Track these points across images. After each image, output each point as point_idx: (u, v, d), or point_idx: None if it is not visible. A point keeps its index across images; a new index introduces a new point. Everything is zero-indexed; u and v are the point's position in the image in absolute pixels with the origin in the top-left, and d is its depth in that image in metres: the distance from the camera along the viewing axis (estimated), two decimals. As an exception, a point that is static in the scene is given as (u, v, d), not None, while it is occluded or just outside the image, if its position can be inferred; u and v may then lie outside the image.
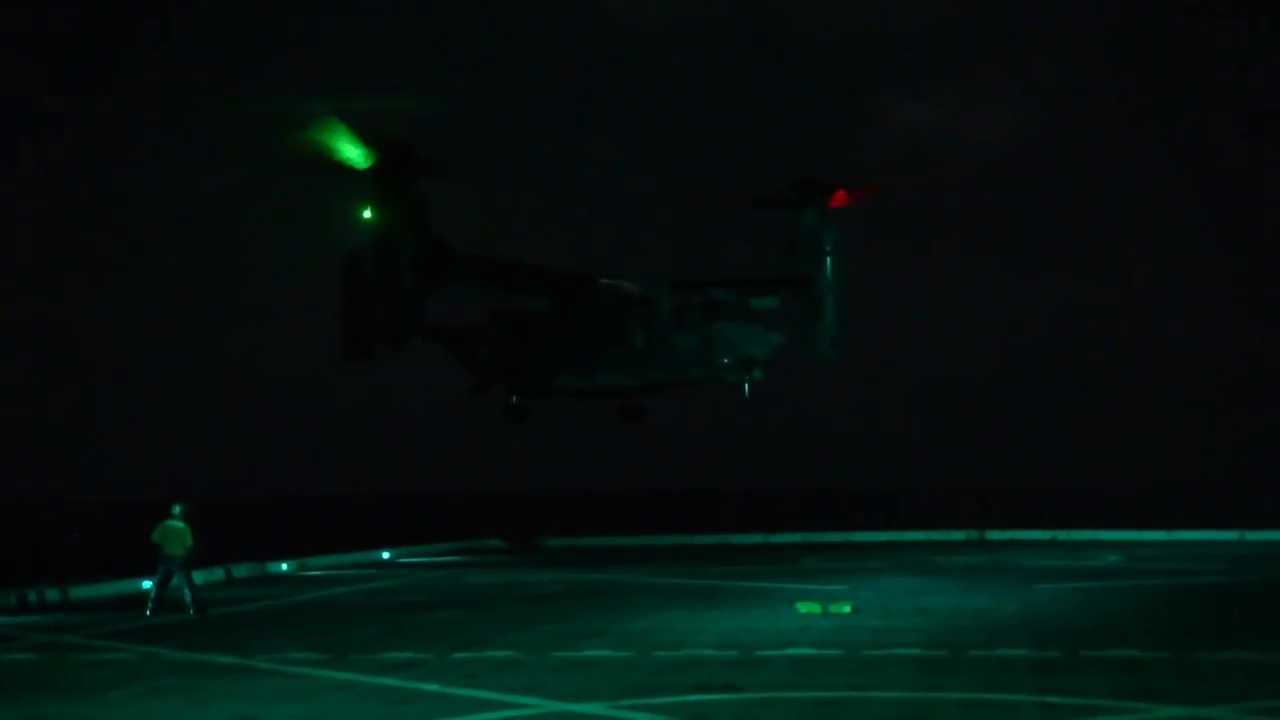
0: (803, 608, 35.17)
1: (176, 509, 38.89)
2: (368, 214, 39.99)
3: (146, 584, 40.51)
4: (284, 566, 53.17)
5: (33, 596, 41.59)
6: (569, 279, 45.22)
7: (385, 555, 60.21)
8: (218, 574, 48.17)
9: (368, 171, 39.53)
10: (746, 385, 42.79)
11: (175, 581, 38.47)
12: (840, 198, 45.06)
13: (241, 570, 50.28)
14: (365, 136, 38.65)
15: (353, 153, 39.10)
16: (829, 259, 45.13)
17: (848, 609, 34.86)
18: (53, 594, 42.25)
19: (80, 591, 43.16)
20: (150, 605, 37.92)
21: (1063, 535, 64.58)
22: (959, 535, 66.40)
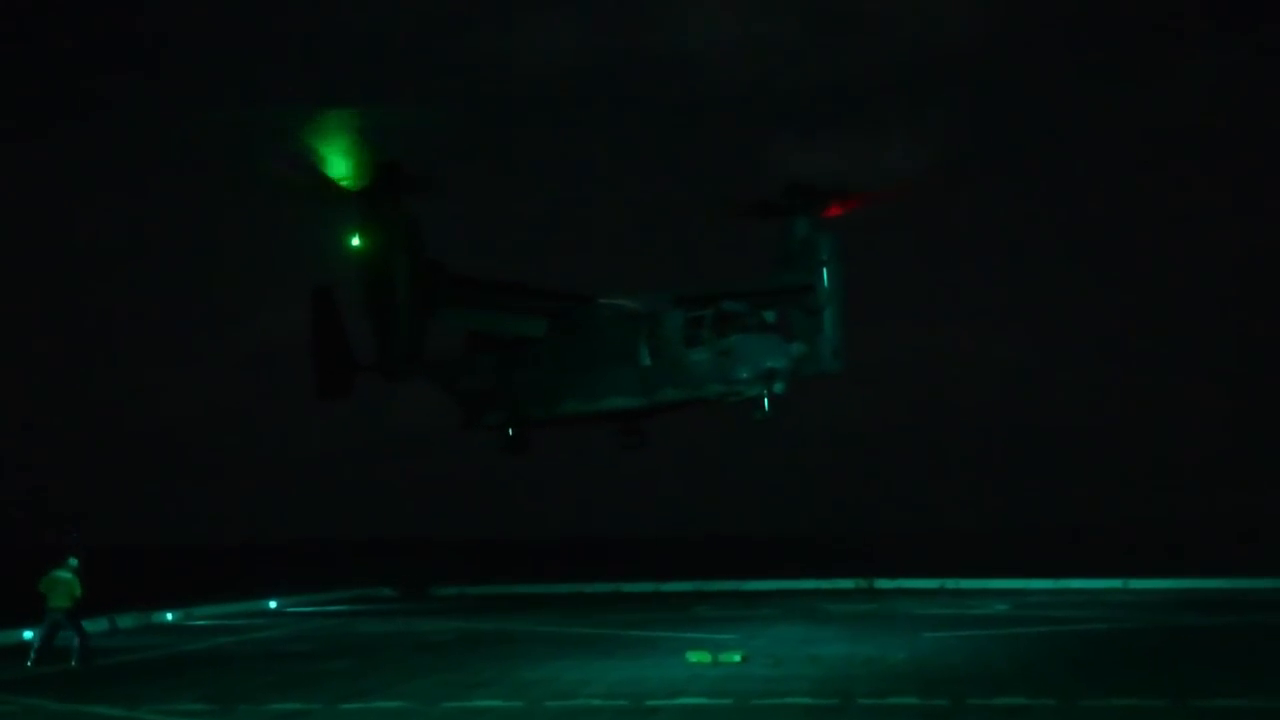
0: (693, 656, 35.17)
1: (73, 561, 38.30)
2: (356, 240, 37.97)
3: (28, 634, 39.83)
4: (169, 616, 52.46)
5: (-90, 647, 40.79)
6: (568, 298, 43.49)
7: (273, 604, 59.57)
8: (102, 624, 47.42)
9: (356, 194, 37.66)
10: (766, 399, 40.63)
11: (64, 632, 37.84)
12: (833, 205, 44.20)
13: (126, 620, 49.57)
14: (352, 155, 36.61)
15: (339, 174, 37.22)
16: (825, 268, 44.20)
17: (738, 658, 34.90)
18: (-69, 644, 41.46)
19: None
20: (33, 656, 37.26)
21: (950, 584, 65.07)
22: (848, 584, 66.72)
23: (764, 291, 44.27)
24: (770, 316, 43.32)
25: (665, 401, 42.56)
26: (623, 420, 44.69)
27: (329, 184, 37.11)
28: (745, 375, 40.46)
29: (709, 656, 34.98)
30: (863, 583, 66.55)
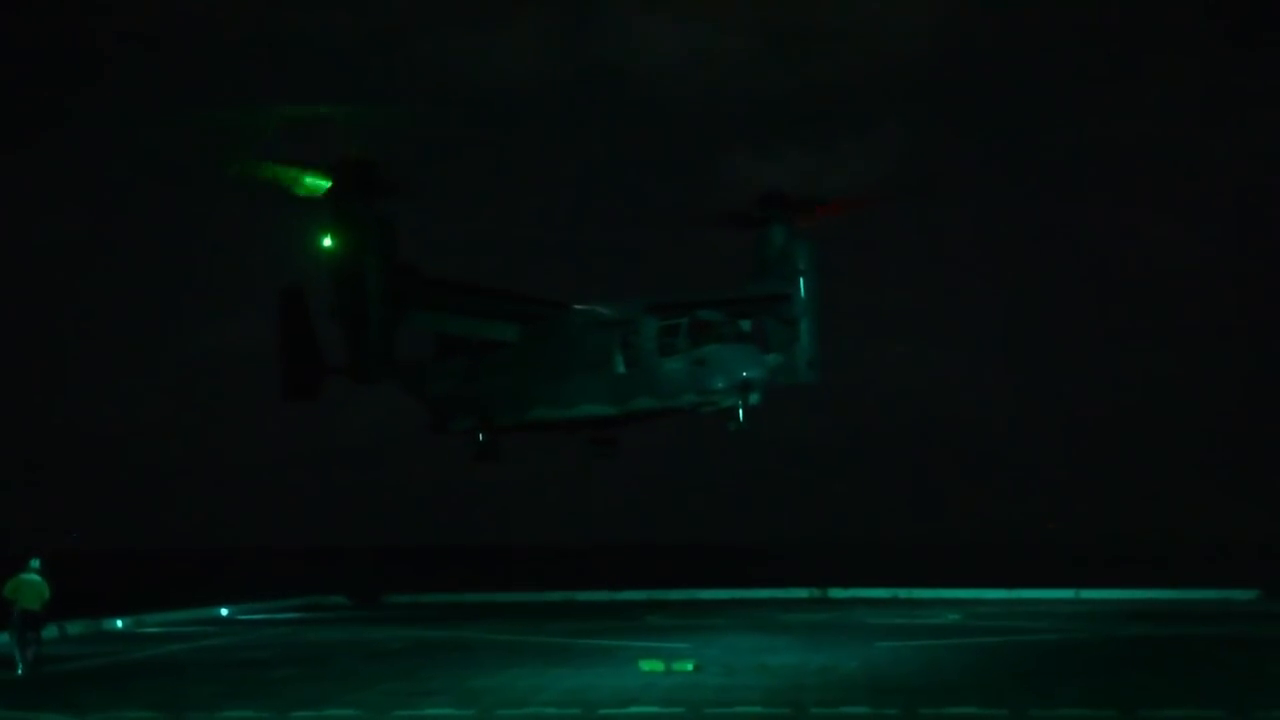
0: (646, 665, 35.17)
1: (35, 563, 38.05)
2: (328, 239, 37.50)
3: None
4: (119, 623, 52.07)
5: None
6: (542, 304, 43.02)
7: (224, 612, 59.25)
8: (51, 631, 47.00)
9: (327, 193, 37.20)
10: (741, 410, 40.02)
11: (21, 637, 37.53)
12: (809, 214, 43.64)
13: (75, 627, 49.18)
14: (323, 155, 36.36)
15: (310, 173, 36.58)
16: (802, 278, 43.54)
17: (691, 667, 34.90)
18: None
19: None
20: (18, 660, 37.03)
21: (903, 593, 65.23)
22: (802, 593, 66.82)
23: (740, 300, 43.75)
24: (746, 326, 42.81)
25: (639, 410, 42.11)
26: (595, 428, 44.24)
27: (300, 182, 36.82)
28: (720, 385, 39.92)
29: (662, 665, 34.97)
30: (816, 592, 66.65)
